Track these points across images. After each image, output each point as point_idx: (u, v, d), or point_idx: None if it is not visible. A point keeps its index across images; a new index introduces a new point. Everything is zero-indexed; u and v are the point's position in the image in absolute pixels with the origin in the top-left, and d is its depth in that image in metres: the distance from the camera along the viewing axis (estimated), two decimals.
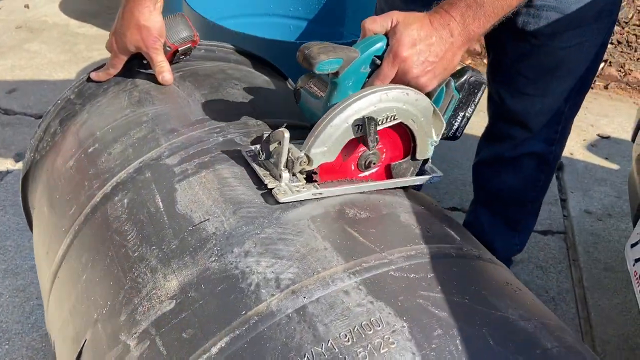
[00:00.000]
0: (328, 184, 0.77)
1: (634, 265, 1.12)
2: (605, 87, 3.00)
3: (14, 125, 2.33)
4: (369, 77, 0.80)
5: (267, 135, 0.75)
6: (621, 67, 3.11)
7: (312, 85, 0.86)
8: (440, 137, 0.83)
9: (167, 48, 0.98)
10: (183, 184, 0.78)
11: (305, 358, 0.56)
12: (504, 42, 1.16)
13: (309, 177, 0.77)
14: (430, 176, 0.87)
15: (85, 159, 0.91)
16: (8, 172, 2.07)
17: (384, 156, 0.82)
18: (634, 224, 1.23)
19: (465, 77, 0.84)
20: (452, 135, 0.89)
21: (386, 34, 0.80)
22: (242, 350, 0.59)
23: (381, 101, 0.74)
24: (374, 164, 0.81)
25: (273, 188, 0.74)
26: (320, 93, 0.84)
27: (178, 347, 0.62)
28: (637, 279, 1.06)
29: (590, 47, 1.13)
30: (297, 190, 0.73)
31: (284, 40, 1.77)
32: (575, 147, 2.45)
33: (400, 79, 0.80)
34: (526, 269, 1.82)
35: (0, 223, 1.85)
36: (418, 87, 0.80)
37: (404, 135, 0.81)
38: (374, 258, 0.65)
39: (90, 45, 2.91)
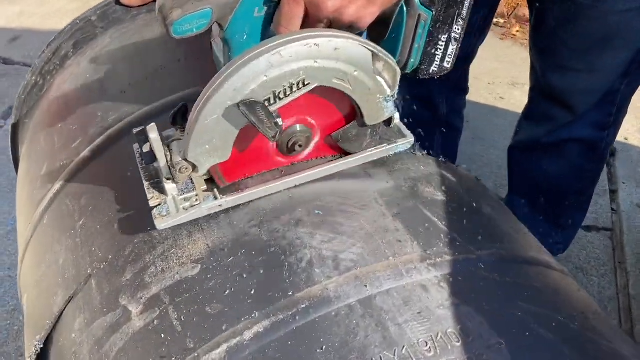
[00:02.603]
0: (240, 184, 0.58)
1: None
2: None
3: (11, 76, 2.16)
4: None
5: (137, 131, 0.56)
6: None
7: (219, 40, 0.61)
8: (396, 86, 0.57)
9: None
10: None
11: None
12: (546, 0, 0.97)
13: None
14: (395, 144, 0.62)
15: (99, 89, 0.77)
16: None
17: (314, 130, 0.59)
18: None
19: None
20: (437, 69, 0.62)
21: None
22: (286, 341, 0.45)
23: (272, 66, 0.50)
24: (301, 145, 0.58)
25: (156, 206, 0.56)
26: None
27: (198, 324, 0.47)
28: None
29: None
30: (185, 209, 0.55)
31: None
32: (630, 131, 2.08)
33: (316, 18, 0.54)
34: None
35: None
36: (346, 25, 0.54)
37: (339, 96, 0.56)
38: (459, 251, 0.52)
39: None
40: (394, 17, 0.57)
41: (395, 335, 0.44)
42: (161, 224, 0.54)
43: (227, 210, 0.56)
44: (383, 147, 0.62)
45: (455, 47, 0.61)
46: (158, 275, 0.52)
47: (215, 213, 0.55)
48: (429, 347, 0.43)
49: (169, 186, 0.56)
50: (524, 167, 1.28)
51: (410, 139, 0.63)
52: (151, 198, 0.56)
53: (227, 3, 0.52)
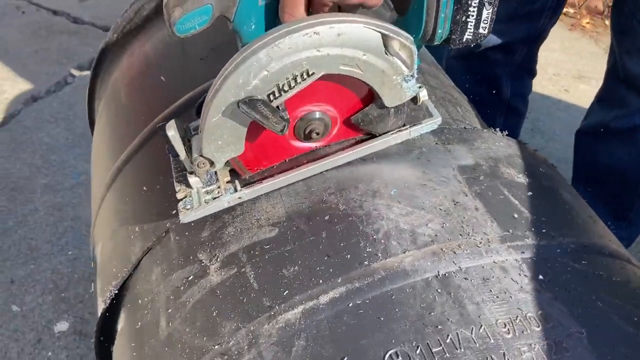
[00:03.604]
0: (261, 173, 0.58)
1: None
2: None
3: (80, 35, 2.23)
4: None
5: (160, 125, 0.57)
6: None
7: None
8: (415, 65, 0.53)
9: None
10: None
11: (449, 340, 0.42)
12: None
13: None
14: (421, 125, 0.58)
15: (180, 52, 0.78)
16: (67, 83, 1.97)
17: (332, 116, 0.57)
18: None
19: None
20: (472, 37, 0.56)
21: None
22: (361, 308, 0.45)
23: (272, 60, 0.48)
24: (318, 133, 0.57)
25: (182, 199, 0.57)
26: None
27: (275, 284, 0.49)
28: None
29: None
30: (206, 202, 0.56)
31: None
32: None
33: (320, 3, 0.52)
34: None
35: (50, 136, 1.76)
36: (355, 6, 0.53)
37: (353, 79, 0.53)
38: (540, 236, 0.51)
39: None
40: None
41: (472, 314, 0.44)
42: (184, 217, 0.56)
43: (305, 177, 0.56)
44: (405, 129, 0.58)
45: (490, 10, 0.54)
46: (236, 235, 0.54)
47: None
48: (508, 329, 0.43)
49: (192, 179, 0.57)
50: (590, 154, 1.22)
51: (438, 118, 0.59)
52: (178, 191, 0.58)
53: None
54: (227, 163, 0.56)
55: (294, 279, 0.48)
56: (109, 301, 0.64)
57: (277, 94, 0.50)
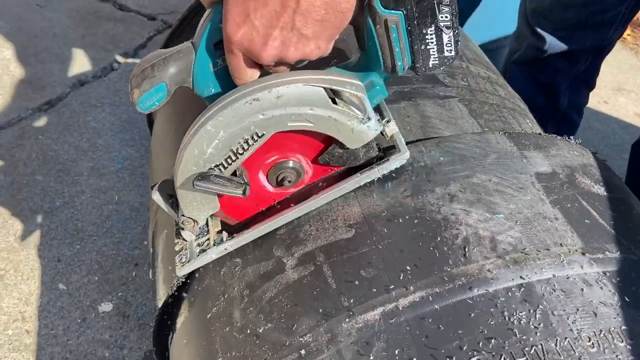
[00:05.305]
0: (249, 221, 0.60)
1: None
2: None
3: (126, 22, 2.27)
4: None
5: (152, 185, 0.60)
6: None
7: None
8: (368, 108, 0.53)
9: None
10: None
11: (533, 351, 0.43)
12: None
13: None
14: (387, 163, 0.56)
15: None
16: (113, 69, 2.01)
17: (301, 161, 0.58)
18: None
19: None
20: (438, 62, 0.54)
21: None
22: (442, 314, 0.46)
23: (220, 129, 0.50)
24: (290, 181, 0.59)
25: (179, 252, 0.60)
26: None
27: (353, 285, 0.50)
28: None
29: None
30: (197, 254, 0.59)
31: None
32: None
33: (262, 63, 0.51)
34: None
35: (96, 120, 1.80)
36: (298, 63, 0.52)
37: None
38: (620, 249, 0.50)
39: None
40: (365, 31, 0.52)
41: (556, 326, 0.44)
42: (179, 271, 0.59)
43: (381, 178, 0.57)
44: (374, 168, 0.56)
45: (450, 33, 0.53)
46: (312, 234, 0.55)
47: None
48: (592, 343, 0.43)
49: (185, 234, 0.60)
50: None
51: (405, 153, 0.57)
52: (176, 243, 0.61)
53: (179, 71, 0.53)
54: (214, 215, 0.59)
55: (372, 280, 0.49)
56: (175, 288, 0.66)
57: (233, 158, 0.53)
